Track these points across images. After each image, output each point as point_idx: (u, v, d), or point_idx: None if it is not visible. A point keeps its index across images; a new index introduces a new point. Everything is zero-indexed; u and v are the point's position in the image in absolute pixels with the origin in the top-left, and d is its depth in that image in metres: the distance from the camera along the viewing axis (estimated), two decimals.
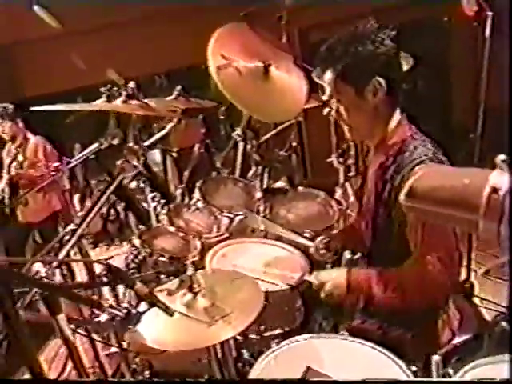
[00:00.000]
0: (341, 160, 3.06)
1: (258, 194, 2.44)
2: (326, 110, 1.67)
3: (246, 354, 1.86)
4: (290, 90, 2.11)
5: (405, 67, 1.59)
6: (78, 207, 4.19)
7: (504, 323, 1.73)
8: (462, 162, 1.78)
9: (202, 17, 3.92)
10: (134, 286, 1.19)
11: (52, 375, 2.58)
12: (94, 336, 1.82)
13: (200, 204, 2.35)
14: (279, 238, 2.16)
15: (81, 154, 1.73)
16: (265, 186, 2.98)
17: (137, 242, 2.21)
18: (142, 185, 2.65)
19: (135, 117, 2.26)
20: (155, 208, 2.63)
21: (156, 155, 3.82)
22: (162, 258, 2.14)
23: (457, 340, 1.64)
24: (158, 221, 2.54)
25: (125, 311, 1.22)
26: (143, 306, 1.30)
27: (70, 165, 1.81)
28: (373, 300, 1.62)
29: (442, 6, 4.00)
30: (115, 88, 2.04)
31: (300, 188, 2.55)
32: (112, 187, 1.58)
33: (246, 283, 1.69)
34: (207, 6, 4.23)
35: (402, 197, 0.89)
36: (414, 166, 1.48)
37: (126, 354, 1.95)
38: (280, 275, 1.89)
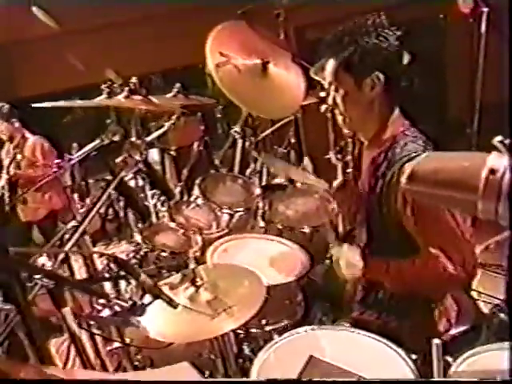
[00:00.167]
0: (339, 156, 3.07)
1: (257, 191, 2.46)
2: (323, 107, 1.69)
3: (246, 350, 1.87)
4: (288, 87, 2.12)
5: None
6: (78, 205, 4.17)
7: (502, 315, 1.76)
8: None
9: (201, 17, 3.92)
10: (139, 278, 1.21)
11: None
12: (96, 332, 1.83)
13: (200, 201, 2.36)
14: (280, 234, 2.18)
15: (83, 150, 1.74)
16: (264, 183, 2.99)
17: (138, 237, 2.23)
18: (141, 182, 2.65)
19: (138, 111, 2.27)
20: (155, 205, 2.64)
21: (154, 154, 3.79)
22: (163, 254, 2.16)
23: (454, 331, 1.66)
24: (158, 218, 2.55)
25: (130, 302, 1.24)
26: (147, 299, 1.32)
27: (72, 161, 1.83)
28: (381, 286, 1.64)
29: (437, 3, 4.03)
30: (115, 85, 2.04)
31: (298, 184, 2.56)
32: (114, 183, 1.60)
33: (248, 277, 1.71)
34: (206, 6, 4.23)
35: (403, 180, 0.91)
36: (403, 163, 1.45)
37: (127, 350, 1.96)
38: (280, 269, 1.91)
